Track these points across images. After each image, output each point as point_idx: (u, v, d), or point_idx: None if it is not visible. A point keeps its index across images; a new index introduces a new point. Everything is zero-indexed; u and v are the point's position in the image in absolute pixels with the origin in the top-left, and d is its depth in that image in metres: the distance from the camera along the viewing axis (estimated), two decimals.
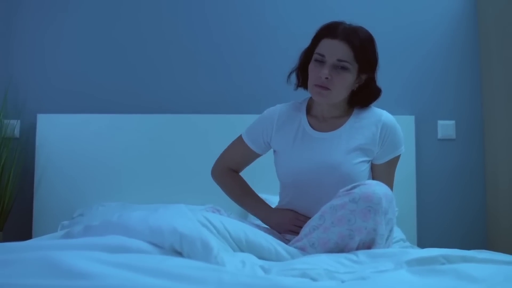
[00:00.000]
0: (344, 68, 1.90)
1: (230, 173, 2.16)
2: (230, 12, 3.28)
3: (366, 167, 1.98)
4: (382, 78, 2.04)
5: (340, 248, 1.66)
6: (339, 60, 1.89)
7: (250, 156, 2.14)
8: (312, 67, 1.94)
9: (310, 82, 1.95)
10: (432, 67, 3.24)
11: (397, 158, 2.04)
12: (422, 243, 3.02)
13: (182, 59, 3.25)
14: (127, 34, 3.26)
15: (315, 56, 1.94)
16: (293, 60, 2.08)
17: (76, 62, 3.24)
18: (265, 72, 3.22)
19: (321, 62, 1.91)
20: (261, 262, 1.53)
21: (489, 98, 3.15)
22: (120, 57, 3.25)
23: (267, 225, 2.04)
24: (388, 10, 3.26)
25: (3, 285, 1.06)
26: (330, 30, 1.93)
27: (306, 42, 2.04)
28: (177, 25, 3.26)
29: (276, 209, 2.06)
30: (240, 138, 2.13)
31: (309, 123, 2.03)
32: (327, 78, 1.89)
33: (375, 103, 2.05)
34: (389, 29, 3.21)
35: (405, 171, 2.87)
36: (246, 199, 2.12)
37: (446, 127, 3.21)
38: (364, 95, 2.00)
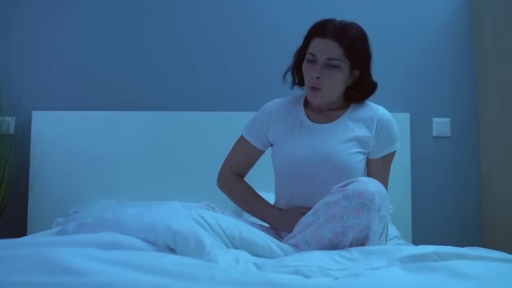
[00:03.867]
0: (335, 67, 1.92)
1: (235, 179, 2.13)
2: (227, 8, 3.28)
3: (362, 159, 2.00)
4: (377, 75, 2.04)
5: (333, 245, 1.66)
6: (329, 59, 1.91)
7: (253, 154, 2.13)
8: (305, 68, 1.98)
9: (306, 84, 1.98)
10: (428, 64, 3.25)
11: (392, 154, 2.05)
12: (416, 241, 3.02)
13: (179, 56, 3.25)
14: (124, 31, 3.26)
15: (307, 56, 1.97)
16: (291, 56, 2.09)
17: (71, 59, 3.24)
18: (262, 69, 3.22)
19: (313, 62, 1.94)
20: (254, 259, 1.53)
21: (484, 96, 3.15)
22: (117, 54, 3.25)
23: (279, 230, 2.00)
24: (384, 8, 3.26)
25: None
26: (320, 29, 1.95)
27: (301, 39, 2.05)
28: (174, 21, 3.26)
29: (286, 212, 2.01)
30: (240, 138, 2.14)
31: (306, 115, 2.05)
32: (318, 77, 1.91)
33: (372, 98, 2.06)
34: (385, 27, 3.22)
35: (400, 168, 2.87)
36: (254, 204, 2.09)
37: (441, 125, 3.22)
38: (360, 90, 2.01)
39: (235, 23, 3.27)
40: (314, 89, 1.94)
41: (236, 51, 3.26)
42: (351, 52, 1.92)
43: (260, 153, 2.14)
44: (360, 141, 1.99)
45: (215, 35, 3.26)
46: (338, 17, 2.01)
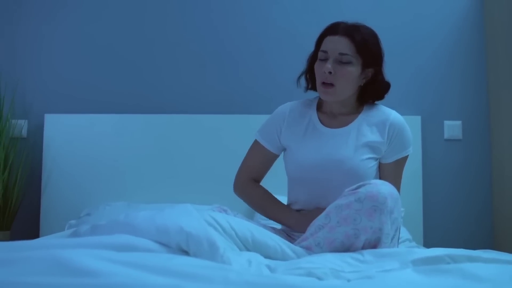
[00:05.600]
0: (347, 63, 1.93)
1: (251, 184, 2.12)
2: (237, 10, 3.28)
3: (374, 164, 1.99)
4: (388, 78, 2.04)
5: (345, 247, 1.66)
6: (341, 54, 1.93)
7: (268, 159, 2.12)
8: (317, 66, 1.99)
9: (317, 82, 1.98)
10: (438, 66, 3.24)
11: (404, 159, 2.05)
12: (428, 243, 3.01)
13: (189, 58, 3.26)
14: (133, 35, 3.27)
15: (319, 54, 1.98)
16: (303, 58, 2.10)
17: (83, 62, 3.26)
18: (273, 70, 3.22)
19: (325, 60, 1.95)
20: (267, 261, 1.53)
21: (495, 98, 3.14)
22: (127, 58, 3.26)
23: (300, 232, 1.95)
24: (394, 9, 3.26)
25: (10, 283, 1.06)
26: (331, 29, 1.99)
27: (313, 40, 2.07)
28: (183, 24, 3.27)
29: (306, 213, 1.99)
30: (254, 142, 2.13)
31: (319, 119, 2.05)
32: (330, 72, 1.92)
33: (383, 100, 2.06)
34: (394, 28, 3.21)
35: (412, 171, 2.86)
36: (272, 209, 2.07)
37: (452, 128, 3.21)
38: (373, 89, 2.01)
39: (247, 25, 3.27)
40: (326, 84, 1.94)
41: (247, 52, 3.26)
42: (363, 48, 1.94)
43: (275, 157, 2.13)
44: (372, 147, 1.98)
45: (224, 36, 3.26)
46: (349, 18, 2.03)
